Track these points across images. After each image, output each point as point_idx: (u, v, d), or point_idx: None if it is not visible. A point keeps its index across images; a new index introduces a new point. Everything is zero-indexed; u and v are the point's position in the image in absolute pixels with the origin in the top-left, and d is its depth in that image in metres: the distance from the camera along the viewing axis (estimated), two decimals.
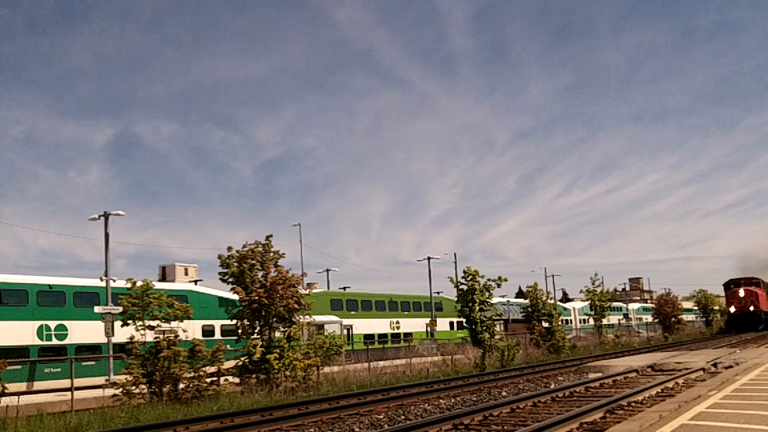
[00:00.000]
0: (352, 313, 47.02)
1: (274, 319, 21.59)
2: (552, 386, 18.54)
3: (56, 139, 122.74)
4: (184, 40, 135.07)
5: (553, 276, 78.05)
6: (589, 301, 52.18)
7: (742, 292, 61.62)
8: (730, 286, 64.62)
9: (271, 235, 22.22)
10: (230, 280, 21.68)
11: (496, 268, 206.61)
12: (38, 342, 27.78)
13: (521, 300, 54.68)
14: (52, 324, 28.39)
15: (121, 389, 18.12)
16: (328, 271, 59.30)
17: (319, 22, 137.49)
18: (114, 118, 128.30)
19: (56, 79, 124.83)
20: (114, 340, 26.38)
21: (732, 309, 62.07)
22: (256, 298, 20.91)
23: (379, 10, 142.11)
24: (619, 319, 73.85)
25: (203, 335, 31.40)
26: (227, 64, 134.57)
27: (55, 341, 28.36)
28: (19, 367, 23.74)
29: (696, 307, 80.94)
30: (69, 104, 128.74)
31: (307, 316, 22.78)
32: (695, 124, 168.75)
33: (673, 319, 56.87)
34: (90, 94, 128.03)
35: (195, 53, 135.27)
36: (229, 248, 21.86)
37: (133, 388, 18.22)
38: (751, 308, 60.68)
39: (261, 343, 21.23)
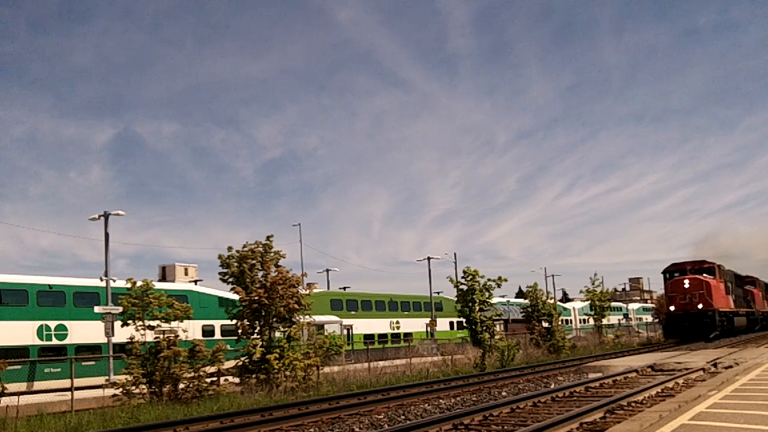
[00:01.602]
0: (352, 313, 47.03)
1: (274, 319, 21.59)
2: (552, 386, 18.54)
3: (57, 139, 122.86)
4: (186, 41, 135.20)
5: (553, 276, 78.28)
6: (589, 301, 52.21)
7: (686, 283, 42.43)
8: (673, 273, 44.81)
9: (271, 236, 22.28)
10: (230, 280, 21.68)
11: (496, 268, 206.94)
12: (38, 342, 27.78)
13: (521, 300, 54.71)
14: (52, 324, 28.39)
15: (121, 389, 18.12)
16: (328, 271, 59.40)
17: (320, 22, 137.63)
18: (115, 118, 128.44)
19: (58, 80, 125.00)
20: (114, 340, 26.38)
21: (672, 307, 42.94)
22: (256, 298, 20.91)
23: (381, 10, 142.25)
24: (619, 319, 73.83)
25: (203, 335, 31.41)
26: (228, 64, 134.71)
27: (55, 341, 28.36)
28: (19, 367, 23.74)
29: None
30: (70, 104, 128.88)
31: (307, 316, 22.79)
32: (696, 125, 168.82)
33: None
34: (91, 94, 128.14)
35: (196, 53, 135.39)
36: (230, 248, 21.88)
37: (133, 388, 18.22)
38: (700, 306, 41.20)
39: (261, 343, 21.22)
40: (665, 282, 45.64)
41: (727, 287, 46.08)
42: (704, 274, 43.40)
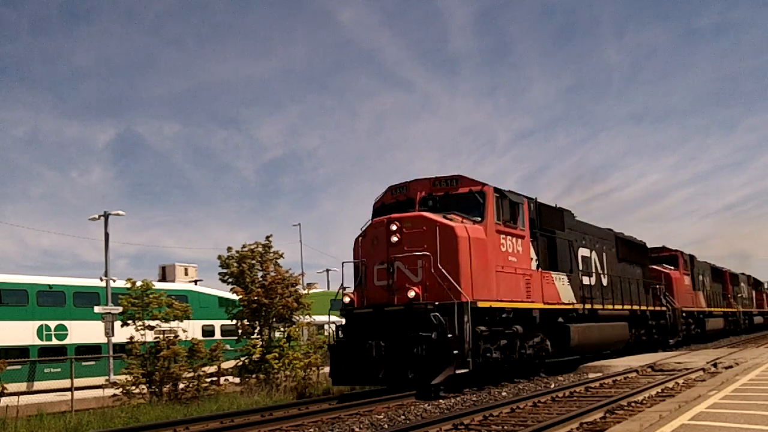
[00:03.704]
0: None
1: (274, 319, 21.60)
2: (552, 386, 18.53)
3: (59, 139, 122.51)
4: (187, 41, 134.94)
5: None
6: None
7: (394, 232, 14.79)
8: (386, 209, 16.82)
9: (271, 235, 22.33)
10: (230, 280, 21.70)
11: None
12: (38, 342, 27.78)
13: None
14: (52, 324, 28.38)
15: (121, 389, 18.12)
16: (328, 271, 59.45)
17: (322, 22, 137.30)
18: (116, 119, 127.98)
19: (59, 80, 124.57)
20: (114, 340, 26.39)
21: (346, 299, 16.72)
22: (256, 298, 20.93)
23: (383, 11, 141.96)
24: None
25: (203, 335, 31.39)
26: (230, 64, 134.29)
27: (55, 341, 28.36)
28: (19, 367, 23.75)
29: None
30: (72, 104, 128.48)
31: (307, 316, 22.81)
32: (696, 125, 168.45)
33: None
34: (93, 94, 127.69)
35: (198, 54, 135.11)
36: (229, 248, 21.93)
37: (133, 388, 18.21)
38: (411, 294, 14.64)
39: (261, 343, 21.24)
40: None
41: (566, 254, 20.34)
42: (454, 212, 15.96)
